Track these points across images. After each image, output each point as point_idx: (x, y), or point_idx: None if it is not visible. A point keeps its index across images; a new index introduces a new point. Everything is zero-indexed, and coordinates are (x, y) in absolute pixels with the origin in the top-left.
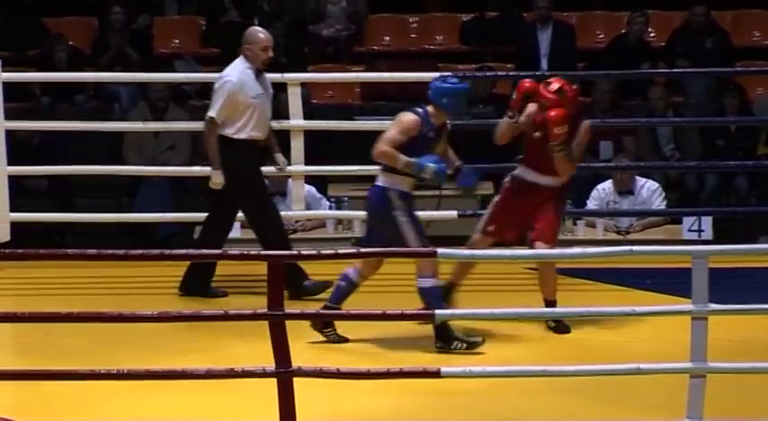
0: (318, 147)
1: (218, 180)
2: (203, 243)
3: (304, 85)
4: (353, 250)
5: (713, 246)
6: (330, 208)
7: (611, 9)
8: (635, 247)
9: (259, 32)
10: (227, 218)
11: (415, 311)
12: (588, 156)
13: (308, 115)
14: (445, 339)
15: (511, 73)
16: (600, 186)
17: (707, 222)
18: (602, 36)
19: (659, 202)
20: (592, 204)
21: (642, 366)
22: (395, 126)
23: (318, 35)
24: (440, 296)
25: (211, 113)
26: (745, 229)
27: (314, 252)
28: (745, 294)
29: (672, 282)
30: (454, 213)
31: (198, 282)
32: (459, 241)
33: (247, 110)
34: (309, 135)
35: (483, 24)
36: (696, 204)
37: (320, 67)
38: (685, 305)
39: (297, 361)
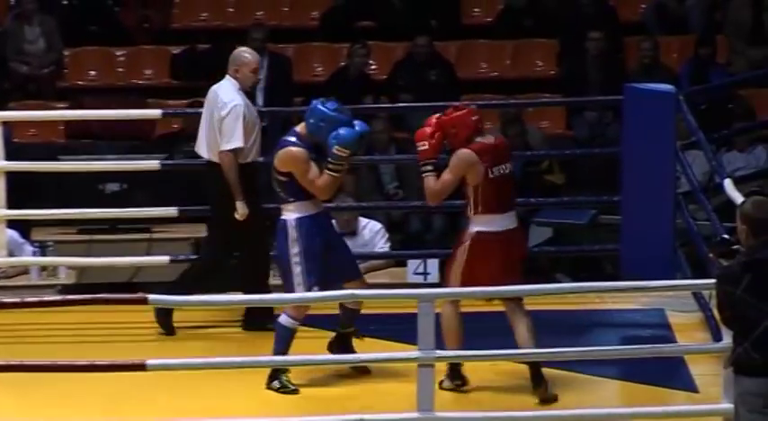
0: (21, 188)
1: (244, 210)
2: (251, 284)
3: (5, 123)
4: (59, 297)
5: (440, 290)
6: (34, 254)
7: (330, 41)
8: (357, 291)
9: (246, 53)
10: (261, 250)
11: (125, 362)
12: None
13: (9, 155)
14: (272, 375)
15: None
16: None
17: (433, 265)
18: (320, 69)
19: (382, 244)
20: None
21: (366, 417)
22: (298, 166)
23: (18, 72)
24: (286, 338)
25: (235, 144)
26: None
27: (18, 300)
28: (475, 340)
29: (397, 327)
30: (166, 258)
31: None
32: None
33: (251, 133)
34: (11, 176)
35: (194, 57)
36: (421, 246)
37: (22, 105)
38: (411, 351)
39: None
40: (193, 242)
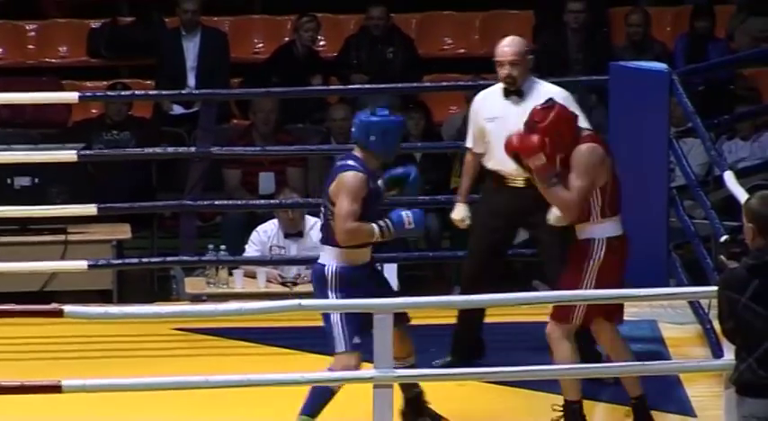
0: None
1: (458, 214)
2: None
3: None
4: None
5: (399, 299)
6: None
7: (272, 13)
8: (304, 301)
9: (501, 44)
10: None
11: (37, 382)
12: (243, 192)
13: None
14: None
15: (151, 92)
16: (261, 228)
17: (391, 270)
18: (261, 45)
19: None
20: (251, 250)
21: None
22: (343, 194)
23: None
24: (321, 399)
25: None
26: (438, 278)
27: None
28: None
29: None
30: (84, 263)
31: None
32: (91, 297)
33: (485, 135)
34: None
35: (116, 32)
36: (377, 249)
37: None
38: (367, 370)
39: None
40: (115, 245)
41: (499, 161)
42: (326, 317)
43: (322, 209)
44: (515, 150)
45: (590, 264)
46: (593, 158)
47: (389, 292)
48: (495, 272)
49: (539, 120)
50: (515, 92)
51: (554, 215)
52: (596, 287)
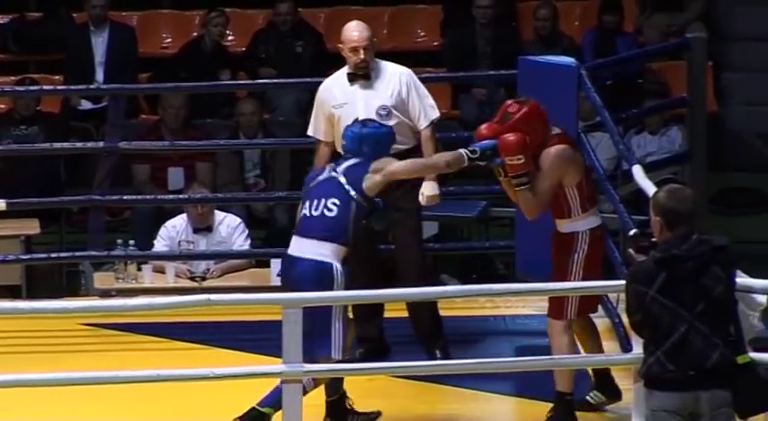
0: None
1: None
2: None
3: None
4: None
5: (307, 294)
6: None
7: (180, 8)
8: (213, 296)
9: (351, 30)
10: None
11: None
12: (152, 186)
13: None
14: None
15: (59, 87)
16: (169, 223)
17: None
18: (169, 40)
19: (242, 241)
20: (160, 245)
21: None
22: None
23: None
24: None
25: (309, 131)
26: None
27: None
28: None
29: (259, 337)
30: None
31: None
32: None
33: (333, 123)
34: None
35: (24, 27)
36: (287, 244)
37: None
38: (275, 365)
39: None
40: (24, 240)
41: None
42: (321, 318)
43: (336, 201)
44: (501, 149)
45: (576, 257)
46: (560, 161)
47: None
48: (371, 266)
49: (513, 113)
50: (363, 76)
51: (424, 196)
52: (584, 278)
